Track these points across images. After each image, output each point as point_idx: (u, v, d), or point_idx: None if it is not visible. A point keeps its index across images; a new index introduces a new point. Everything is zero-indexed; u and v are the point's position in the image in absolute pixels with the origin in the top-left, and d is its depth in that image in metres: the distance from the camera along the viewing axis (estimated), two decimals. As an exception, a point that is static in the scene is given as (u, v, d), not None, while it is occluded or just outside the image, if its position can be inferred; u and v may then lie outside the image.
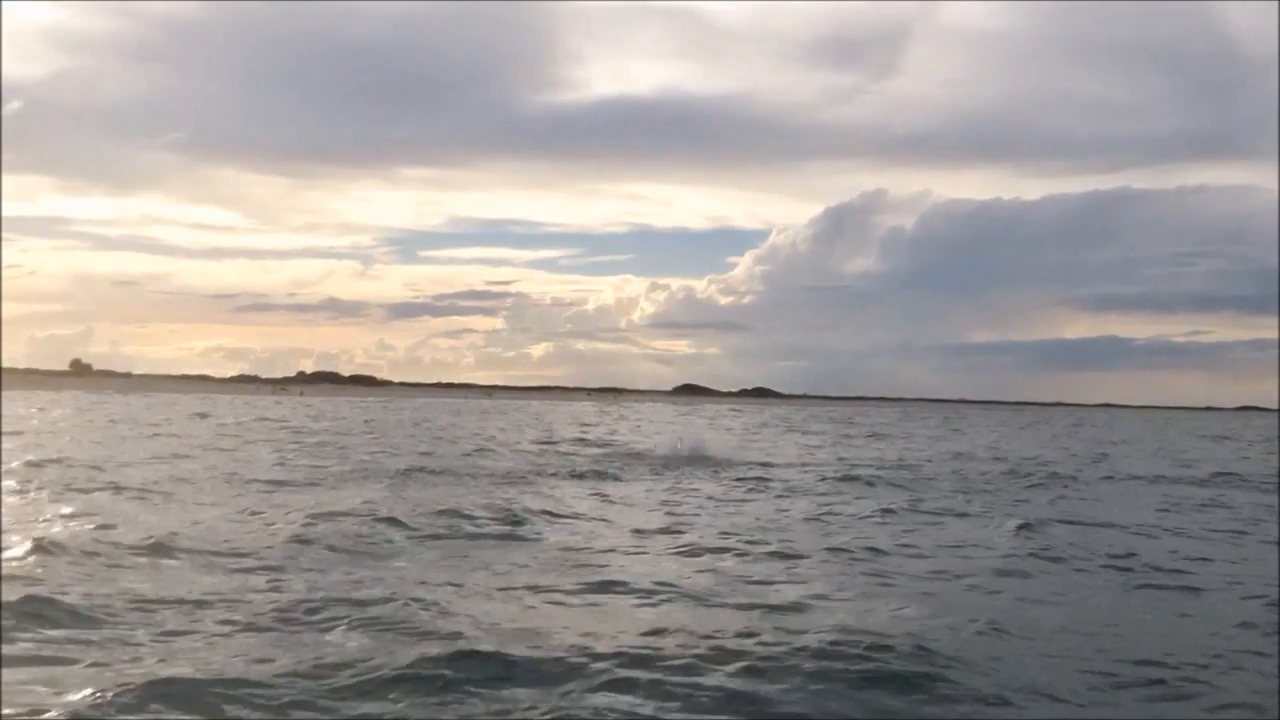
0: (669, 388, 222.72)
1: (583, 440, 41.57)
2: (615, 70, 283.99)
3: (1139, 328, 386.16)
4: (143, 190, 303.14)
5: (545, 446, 37.07)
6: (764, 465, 30.41)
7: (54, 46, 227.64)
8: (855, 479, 26.11)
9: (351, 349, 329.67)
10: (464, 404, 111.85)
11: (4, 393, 75.30)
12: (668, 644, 8.80)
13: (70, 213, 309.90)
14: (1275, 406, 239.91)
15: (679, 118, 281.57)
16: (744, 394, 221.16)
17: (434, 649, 8.33)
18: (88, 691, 7.07)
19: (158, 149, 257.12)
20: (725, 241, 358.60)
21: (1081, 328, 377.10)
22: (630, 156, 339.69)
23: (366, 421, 56.30)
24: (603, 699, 7.47)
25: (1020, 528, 17.18)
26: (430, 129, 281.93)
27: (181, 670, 7.68)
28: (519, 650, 8.43)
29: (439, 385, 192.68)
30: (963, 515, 19.47)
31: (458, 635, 8.88)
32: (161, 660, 8.00)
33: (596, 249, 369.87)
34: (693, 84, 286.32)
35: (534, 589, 11.22)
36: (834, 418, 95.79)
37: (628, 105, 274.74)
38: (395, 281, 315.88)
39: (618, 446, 37.61)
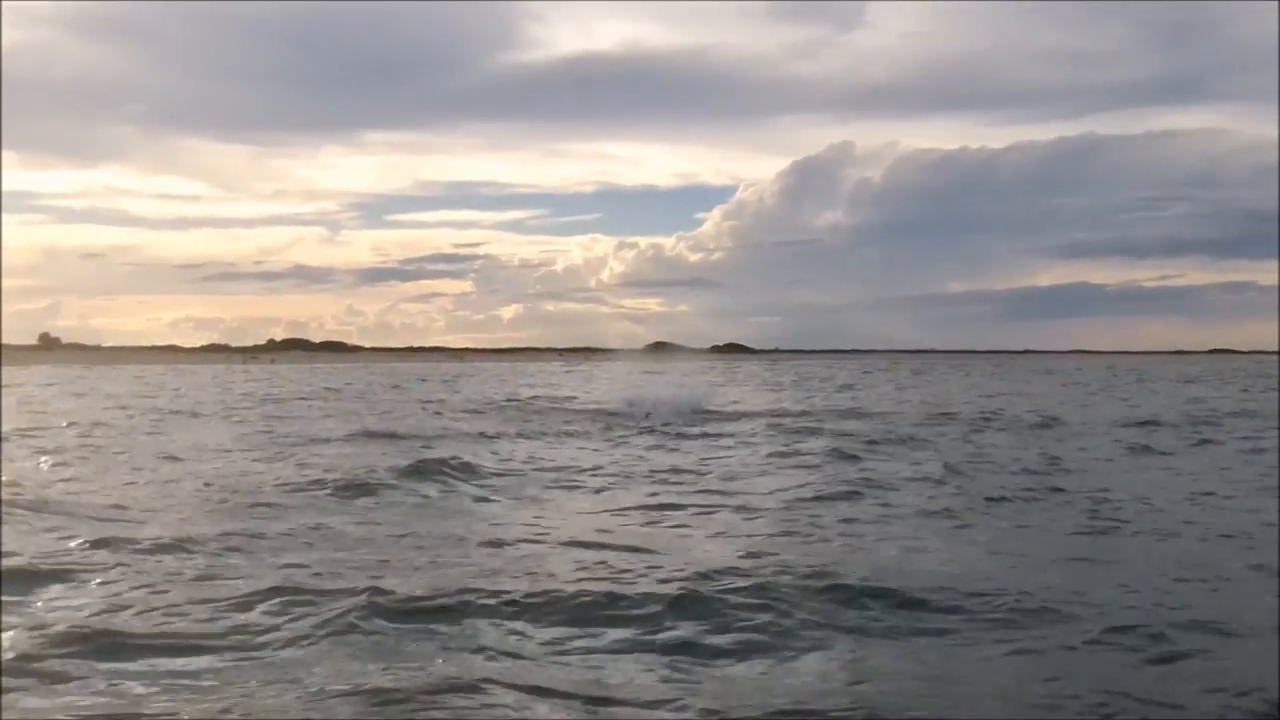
0: (641, 346, 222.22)
1: (544, 399, 41.59)
2: (577, 27, 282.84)
3: (1109, 274, 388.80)
4: (106, 162, 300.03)
5: (505, 405, 37.07)
6: (723, 418, 30.56)
7: (4, 19, 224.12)
8: (817, 430, 26.28)
9: (320, 316, 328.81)
10: (434, 368, 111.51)
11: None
12: (588, 592, 8.84)
13: (33, 186, 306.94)
14: (1246, 349, 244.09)
15: (643, 74, 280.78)
16: (717, 350, 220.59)
17: (343, 603, 8.36)
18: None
19: (119, 120, 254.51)
20: (693, 198, 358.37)
21: (1053, 275, 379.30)
22: (595, 115, 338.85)
23: (327, 389, 55.97)
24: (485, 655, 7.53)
25: (948, 468, 17.44)
26: (393, 93, 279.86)
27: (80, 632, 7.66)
28: (438, 600, 8.49)
29: (410, 350, 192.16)
30: (897, 459, 19.62)
31: (370, 589, 8.87)
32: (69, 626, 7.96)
33: (564, 209, 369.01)
34: (655, 39, 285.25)
35: (456, 540, 11.25)
36: (802, 373, 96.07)
37: (591, 63, 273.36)
38: (362, 247, 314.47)
39: (576, 404, 37.65)
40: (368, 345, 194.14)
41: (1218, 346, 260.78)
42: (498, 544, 11.19)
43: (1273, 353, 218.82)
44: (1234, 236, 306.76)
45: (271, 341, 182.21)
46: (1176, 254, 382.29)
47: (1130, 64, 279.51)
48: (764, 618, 8.17)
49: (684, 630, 7.90)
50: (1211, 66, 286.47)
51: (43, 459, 18.83)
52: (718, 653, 7.46)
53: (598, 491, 15.71)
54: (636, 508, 14.01)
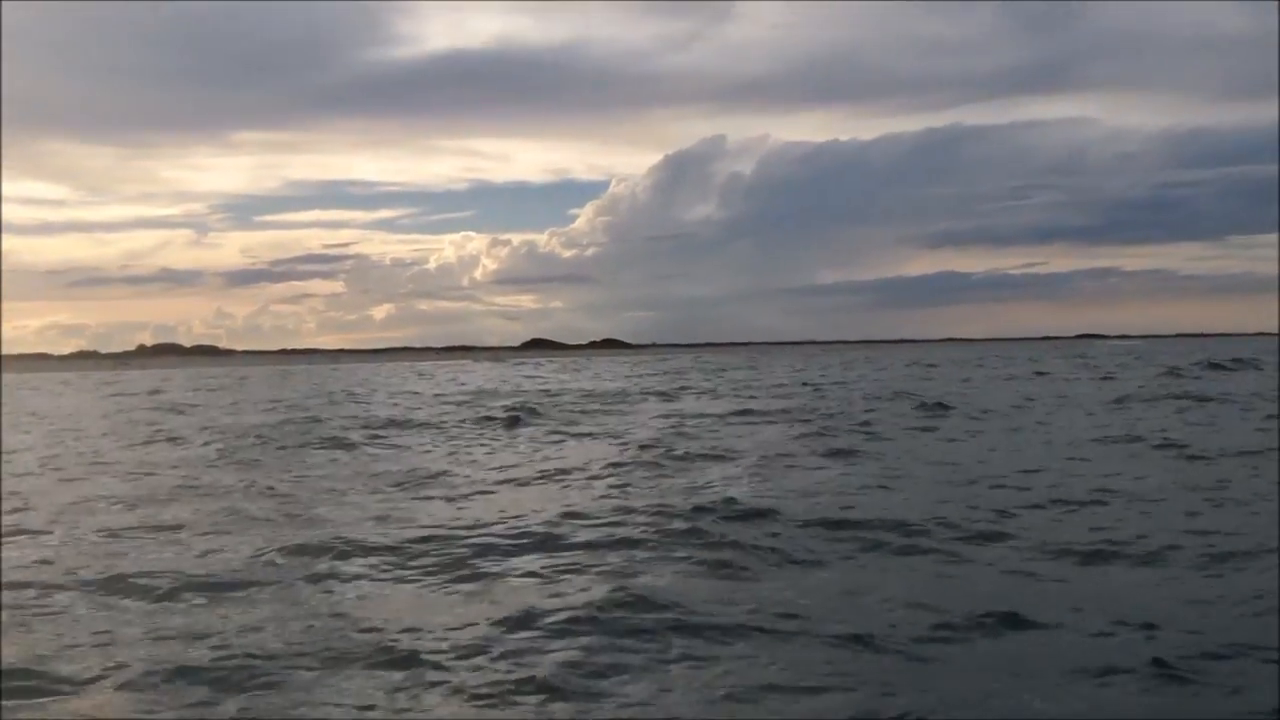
0: (517, 343, 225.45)
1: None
2: (448, 23, 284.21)
3: (976, 262, 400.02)
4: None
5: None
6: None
7: None
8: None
9: (190, 319, 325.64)
10: (306, 370, 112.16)
11: None
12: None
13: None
14: (1113, 333, 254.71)
15: (514, 70, 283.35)
16: (594, 346, 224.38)
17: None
18: None
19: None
20: (566, 194, 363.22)
21: (921, 264, 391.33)
22: (467, 111, 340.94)
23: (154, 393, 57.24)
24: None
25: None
26: (262, 92, 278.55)
27: None
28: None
29: (283, 352, 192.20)
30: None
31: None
32: None
33: (436, 207, 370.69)
34: (527, 35, 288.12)
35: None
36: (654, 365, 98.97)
37: (462, 59, 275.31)
38: (232, 249, 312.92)
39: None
40: (240, 348, 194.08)
41: (1085, 331, 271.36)
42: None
43: (1137, 337, 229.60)
44: (1098, 224, 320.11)
45: (142, 347, 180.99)
46: (1042, 241, 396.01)
47: (995, 54, 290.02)
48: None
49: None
50: (1075, 56, 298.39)
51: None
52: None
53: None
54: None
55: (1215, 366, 52.78)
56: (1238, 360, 57.71)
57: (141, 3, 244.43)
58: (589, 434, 24.30)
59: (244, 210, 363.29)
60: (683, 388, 45.78)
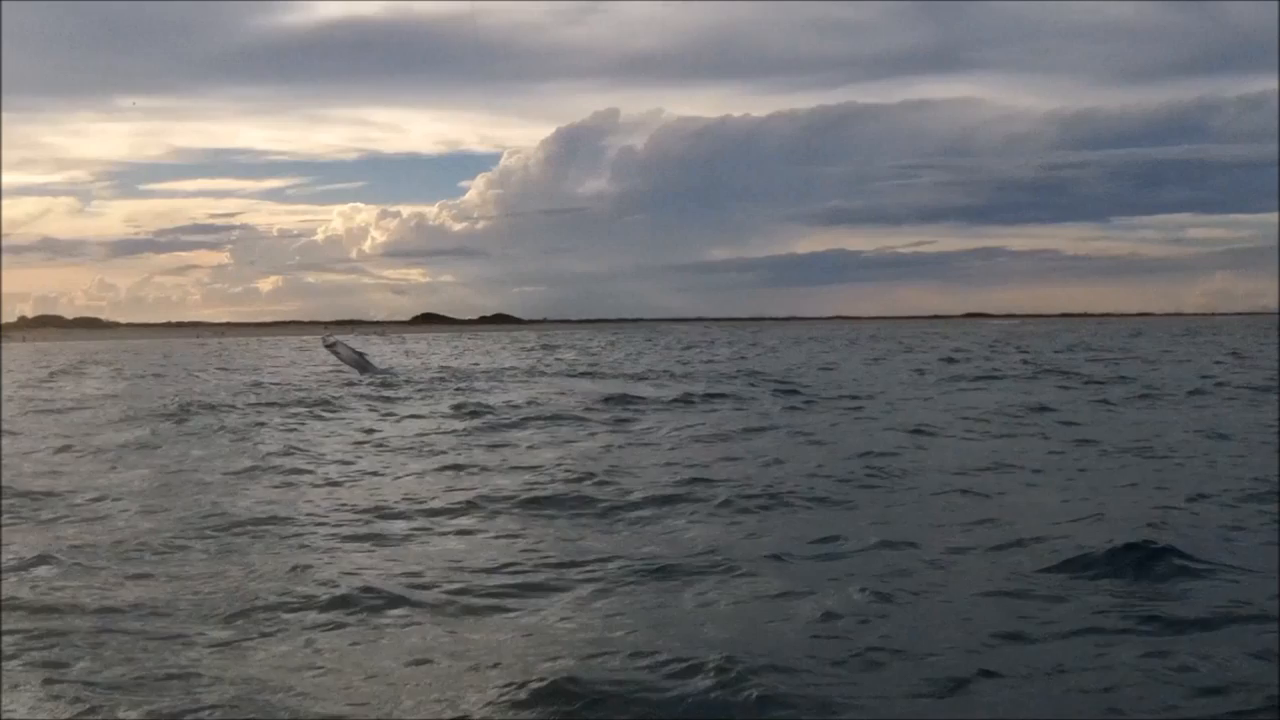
0: (407, 318, 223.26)
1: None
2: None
3: (866, 241, 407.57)
4: None
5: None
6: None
7: None
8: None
9: (71, 290, 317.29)
10: (193, 345, 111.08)
11: None
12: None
13: None
14: (999, 313, 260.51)
15: (408, 39, 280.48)
16: (484, 321, 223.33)
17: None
18: None
19: None
20: (457, 166, 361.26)
21: (811, 243, 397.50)
22: (358, 80, 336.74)
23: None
24: None
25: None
26: (148, 56, 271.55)
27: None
28: None
29: (169, 325, 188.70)
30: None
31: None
32: None
33: (325, 177, 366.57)
34: (420, 4, 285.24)
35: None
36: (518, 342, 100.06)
37: (354, 27, 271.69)
38: (115, 218, 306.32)
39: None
40: (123, 321, 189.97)
41: (972, 311, 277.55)
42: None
43: (1023, 317, 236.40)
44: (984, 204, 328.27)
45: (22, 318, 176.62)
46: (930, 221, 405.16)
47: (889, 34, 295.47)
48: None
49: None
50: (966, 38, 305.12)
51: None
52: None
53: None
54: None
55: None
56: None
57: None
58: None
59: (128, 178, 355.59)
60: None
